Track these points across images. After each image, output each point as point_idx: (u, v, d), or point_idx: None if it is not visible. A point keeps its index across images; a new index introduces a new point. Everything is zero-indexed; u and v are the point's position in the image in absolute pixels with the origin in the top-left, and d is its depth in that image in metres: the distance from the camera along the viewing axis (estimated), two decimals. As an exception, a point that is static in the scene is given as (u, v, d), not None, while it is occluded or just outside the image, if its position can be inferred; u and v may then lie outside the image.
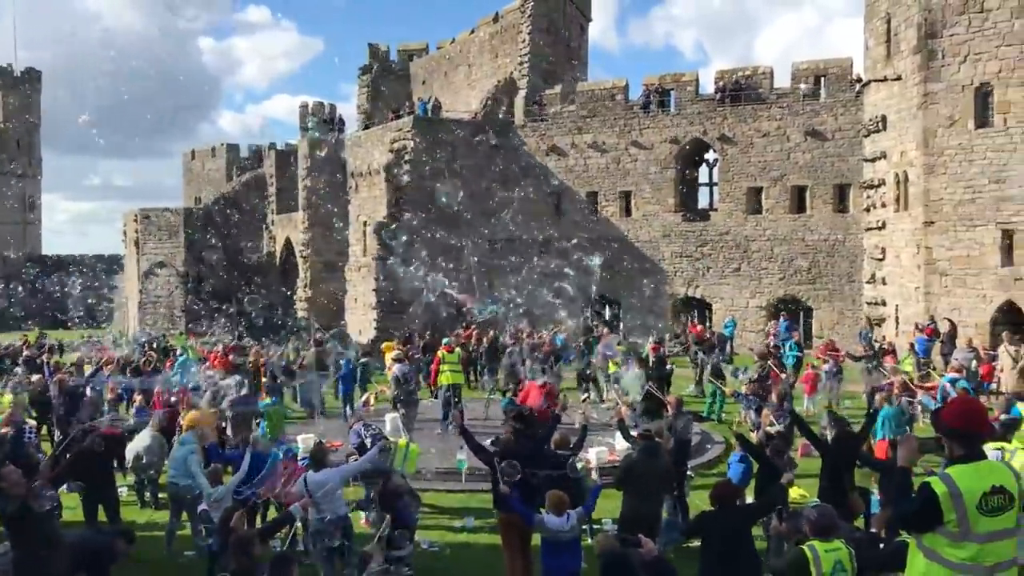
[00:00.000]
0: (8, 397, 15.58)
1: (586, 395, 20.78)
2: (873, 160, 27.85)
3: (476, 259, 33.35)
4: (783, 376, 17.47)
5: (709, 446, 16.12)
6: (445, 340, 20.51)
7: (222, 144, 72.21)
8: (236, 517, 7.91)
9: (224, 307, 42.25)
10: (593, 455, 13.68)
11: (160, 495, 12.78)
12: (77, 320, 44.63)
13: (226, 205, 49.34)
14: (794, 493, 10.29)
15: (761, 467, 9.95)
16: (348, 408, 19.07)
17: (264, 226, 48.41)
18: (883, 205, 27.44)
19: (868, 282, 28.58)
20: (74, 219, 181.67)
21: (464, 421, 10.84)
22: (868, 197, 28.47)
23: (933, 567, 4.82)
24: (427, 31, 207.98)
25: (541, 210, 35.33)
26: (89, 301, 59.00)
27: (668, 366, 20.39)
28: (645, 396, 14.21)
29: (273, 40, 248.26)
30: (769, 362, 18.18)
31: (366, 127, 41.43)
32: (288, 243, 45.55)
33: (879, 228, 27.69)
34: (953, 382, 14.84)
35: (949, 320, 23.19)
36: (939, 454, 5.79)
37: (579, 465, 10.23)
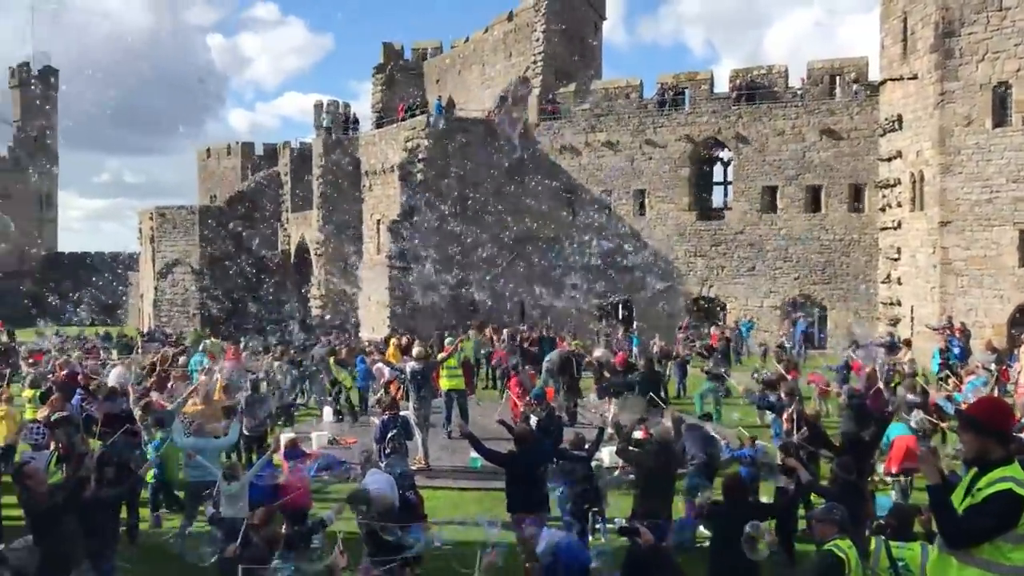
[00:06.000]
0: (28, 392, 15.65)
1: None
2: (889, 159, 27.71)
3: (487, 257, 33.36)
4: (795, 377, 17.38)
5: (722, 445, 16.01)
6: (447, 341, 20.44)
7: (237, 142, 72.50)
8: (261, 515, 7.91)
9: (236, 305, 42.52)
10: (606, 455, 13.65)
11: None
12: (93, 318, 44.85)
13: (241, 203, 49.51)
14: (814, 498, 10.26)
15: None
16: (362, 405, 19.35)
17: (279, 224, 48.55)
18: (899, 205, 27.30)
19: (883, 282, 28.45)
20: (87, 216, 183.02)
21: (465, 428, 10.81)
22: (884, 196, 28.34)
23: None
24: (439, 29, 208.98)
25: (554, 209, 35.29)
26: (103, 299, 59.45)
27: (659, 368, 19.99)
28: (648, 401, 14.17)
29: (282, 37, 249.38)
30: (783, 363, 18.09)
31: (380, 126, 41.51)
32: (303, 241, 45.66)
33: (895, 228, 27.56)
34: (983, 384, 14.76)
35: (960, 321, 23.03)
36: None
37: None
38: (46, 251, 78.35)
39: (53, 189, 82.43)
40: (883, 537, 6.20)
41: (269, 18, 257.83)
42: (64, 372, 17.92)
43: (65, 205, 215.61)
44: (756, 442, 12.10)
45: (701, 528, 10.44)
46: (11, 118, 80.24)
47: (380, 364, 19.97)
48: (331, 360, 19.96)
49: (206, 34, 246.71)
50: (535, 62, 37.96)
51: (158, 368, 18.71)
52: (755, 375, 16.59)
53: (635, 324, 33.14)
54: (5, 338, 31.73)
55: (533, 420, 12.36)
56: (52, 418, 12.71)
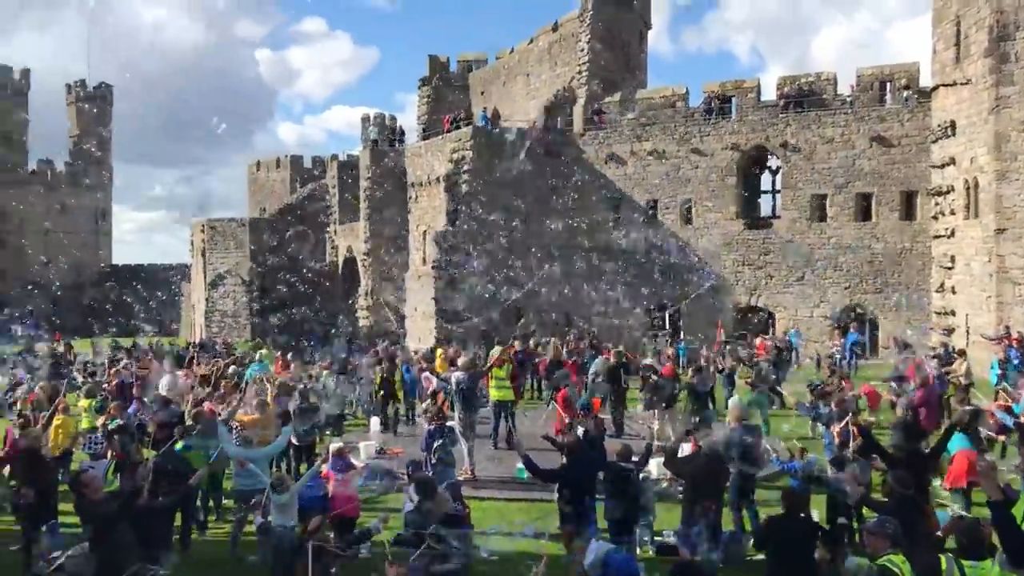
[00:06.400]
0: (84, 402, 15.99)
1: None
2: (942, 166, 27.19)
3: (532, 266, 33.36)
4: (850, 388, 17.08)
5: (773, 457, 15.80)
6: (493, 351, 20.14)
7: (286, 156, 73.73)
8: (314, 524, 7.98)
9: (285, 315, 43.05)
10: (654, 467, 13.53)
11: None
12: (147, 328, 45.81)
13: (290, 215, 50.24)
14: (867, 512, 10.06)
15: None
16: (411, 414, 19.46)
17: (327, 235, 49.15)
18: (952, 212, 26.75)
19: (937, 291, 27.89)
20: (140, 229, 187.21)
21: (521, 449, 10.76)
22: (936, 204, 27.81)
23: None
24: (484, 42, 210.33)
25: (600, 218, 35.21)
26: (156, 311, 60.73)
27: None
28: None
29: (329, 50, 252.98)
30: (837, 374, 17.80)
31: (426, 137, 41.85)
32: (350, 252, 46.15)
33: (948, 236, 27.00)
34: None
35: (1018, 331, 22.44)
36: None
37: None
38: (102, 264, 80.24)
39: (108, 203, 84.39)
40: (952, 556, 6.02)
41: (317, 32, 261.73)
42: (117, 382, 18.32)
43: (119, 218, 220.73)
44: (807, 454, 11.91)
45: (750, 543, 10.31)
46: (69, 134, 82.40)
47: (427, 373, 20.06)
48: (380, 368, 20.05)
49: (255, 48, 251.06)
50: (580, 72, 37.98)
51: (212, 378, 19.02)
52: (809, 386, 16.31)
53: (682, 334, 32.86)
54: (62, 349, 32.48)
55: (580, 431, 12.31)
56: (108, 427, 13.02)
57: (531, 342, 25.94)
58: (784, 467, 11.89)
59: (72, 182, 79.22)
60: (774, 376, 19.76)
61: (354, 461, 12.16)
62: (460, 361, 16.32)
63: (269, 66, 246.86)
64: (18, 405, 17.17)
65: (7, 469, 12.03)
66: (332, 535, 8.54)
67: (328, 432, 17.81)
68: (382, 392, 19.09)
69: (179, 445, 11.68)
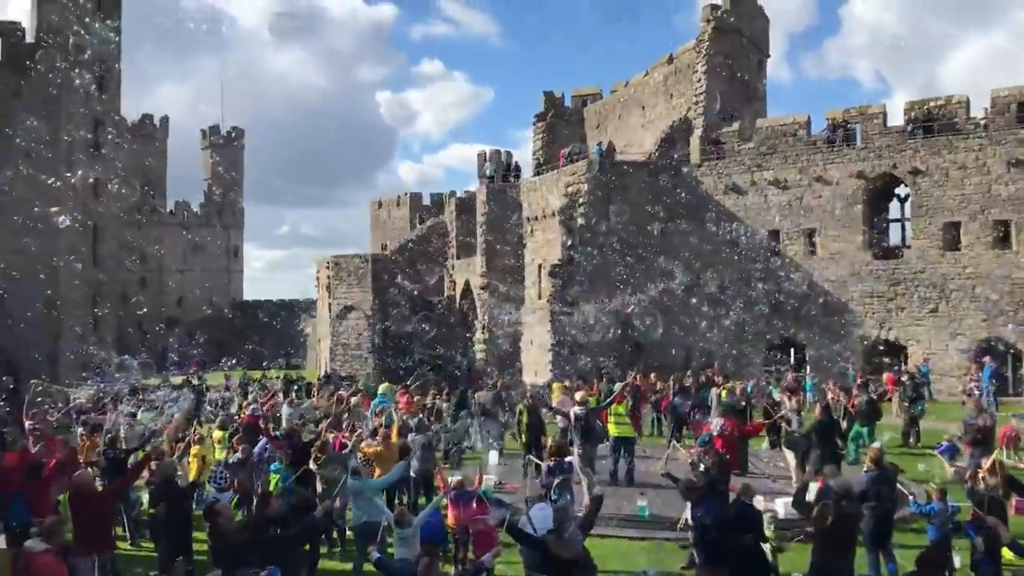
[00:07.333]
0: (217, 433, 16.66)
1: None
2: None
3: (650, 299, 32.96)
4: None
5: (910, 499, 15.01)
6: (616, 387, 19.62)
7: (406, 194, 76.06)
8: (424, 564, 8.02)
9: (405, 349, 43.87)
10: (780, 507, 13.08)
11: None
12: (280, 362, 47.52)
13: (410, 251, 51.49)
14: (1006, 555, 9.46)
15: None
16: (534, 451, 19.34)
17: (445, 270, 50.06)
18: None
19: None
20: (267, 266, 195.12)
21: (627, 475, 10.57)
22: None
23: None
24: (595, 77, 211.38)
25: (719, 250, 34.57)
26: (282, 343, 63.06)
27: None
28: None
29: (446, 91, 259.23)
30: (983, 412, 16.79)
31: (540, 172, 42.17)
32: (467, 286, 46.80)
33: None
34: None
35: None
36: None
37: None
38: (233, 299, 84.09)
39: (239, 242, 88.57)
40: None
41: (434, 73, 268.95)
42: (248, 414, 19.03)
43: (248, 256, 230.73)
44: (946, 496, 11.28)
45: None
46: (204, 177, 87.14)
47: (564, 397, 19.65)
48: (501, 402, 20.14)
49: (376, 91, 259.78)
50: (697, 103, 37.61)
51: (334, 409, 19.55)
52: (968, 430, 15.39)
53: (807, 368, 31.77)
54: (196, 381, 34.09)
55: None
56: (229, 462, 13.56)
57: (651, 376, 25.64)
58: (922, 510, 11.30)
59: (206, 222, 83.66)
60: (913, 411, 18.91)
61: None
62: (577, 396, 16.23)
63: (389, 107, 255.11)
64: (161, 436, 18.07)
65: (146, 496, 12.66)
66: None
67: (447, 465, 17.99)
68: (525, 433, 18.27)
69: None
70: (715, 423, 15.23)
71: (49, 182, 35.30)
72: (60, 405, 18.65)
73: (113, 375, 23.70)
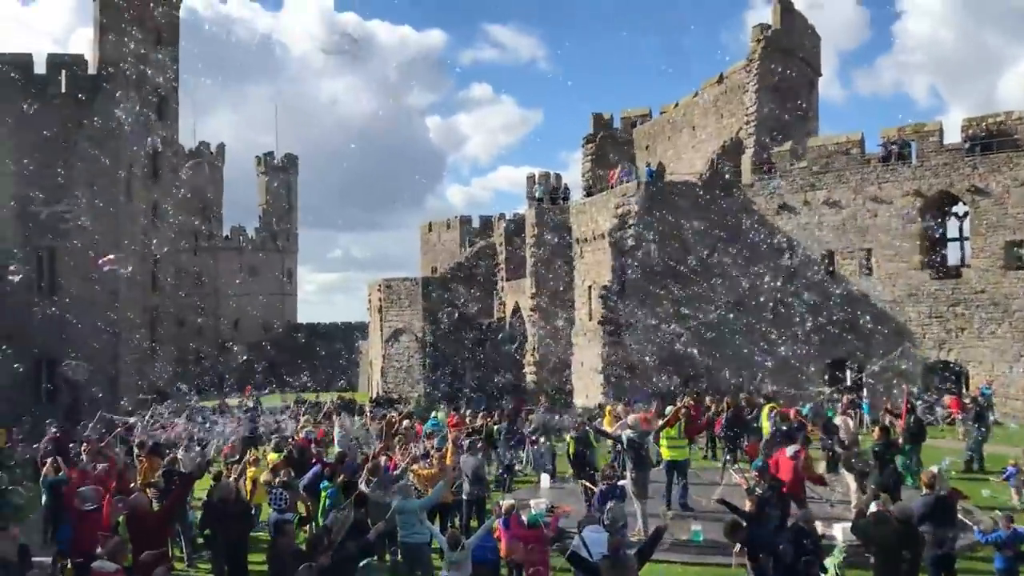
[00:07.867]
0: (272, 456, 16.86)
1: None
2: None
3: (703, 321, 32.65)
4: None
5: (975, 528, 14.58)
6: (668, 410, 19.26)
7: (455, 217, 76.61)
8: None
9: (456, 371, 44.10)
10: (839, 531, 12.79)
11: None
12: (332, 384, 48.07)
13: (460, 273, 51.83)
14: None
15: None
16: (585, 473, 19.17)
17: (495, 292, 50.24)
18: None
19: None
20: (320, 289, 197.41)
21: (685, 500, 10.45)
22: None
23: None
24: (642, 98, 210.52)
25: (773, 269, 34.11)
26: (337, 367, 63.73)
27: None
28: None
29: (495, 114, 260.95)
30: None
31: (590, 194, 42.16)
32: (517, 308, 46.89)
33: None
34: None
35: None
36: None
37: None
38: (288, 322, 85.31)
39: (293, 266, 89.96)
40: None
41: (483, 97, 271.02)
42: (303, 437, 19.23)
43: (302, 279, 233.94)
44: (1013, 524, 10.93)
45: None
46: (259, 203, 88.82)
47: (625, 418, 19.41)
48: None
49: (425, 116, 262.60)
50: (748, 122, 37.32)
51: (385, 431, 19.69)
52: None
53: (865, 392, 31.10)
54: (251, 403, 34.51)
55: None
56: (275, 484, 13.71)
57: (707, 399, 25.29)
58: (986, 539, 10.96)
59: (261, 247, 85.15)
60: (977, 435, 18.40)
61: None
62: (630, 419, 16.07)
63: (438, 132, 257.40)
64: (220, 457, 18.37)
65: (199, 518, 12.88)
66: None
67: (497, 489, 17.97)
68: (575, 462, 17.60)
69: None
70: (789, 448, 14.87)
71: (111, 210, 36.40)
72: (119, 430, 19.12)
73: (171, 403, 24.30)
